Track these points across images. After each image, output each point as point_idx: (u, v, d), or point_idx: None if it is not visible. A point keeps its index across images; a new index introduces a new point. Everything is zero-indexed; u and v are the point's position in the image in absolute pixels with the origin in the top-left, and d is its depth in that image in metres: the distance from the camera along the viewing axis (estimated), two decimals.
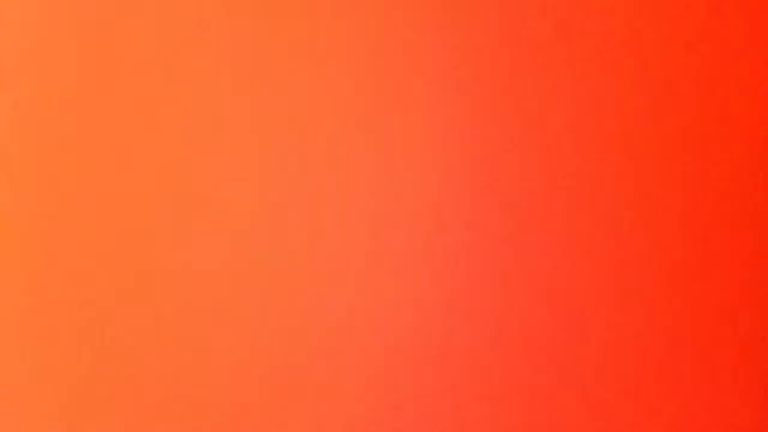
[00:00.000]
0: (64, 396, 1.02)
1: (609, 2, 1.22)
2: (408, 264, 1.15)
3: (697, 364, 1.28)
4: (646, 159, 1.25)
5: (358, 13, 1.11)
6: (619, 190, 1.24)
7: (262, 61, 1.08)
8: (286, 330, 1.10)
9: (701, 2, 1.26)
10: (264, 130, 1.08)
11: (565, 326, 1.21)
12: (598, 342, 1.23)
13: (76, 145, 1.01)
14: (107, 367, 1.03)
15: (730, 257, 1.30)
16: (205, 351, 1.07)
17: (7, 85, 0.99)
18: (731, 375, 1.29)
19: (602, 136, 1.23)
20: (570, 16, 1.20)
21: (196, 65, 1.05)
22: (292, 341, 1.10)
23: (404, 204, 1.14)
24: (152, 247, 1.04)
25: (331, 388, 1.12)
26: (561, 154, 1.21)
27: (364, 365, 1.13)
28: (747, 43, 1.29)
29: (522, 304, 1.19)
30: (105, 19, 1.02)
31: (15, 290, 1.00)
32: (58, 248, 1.01)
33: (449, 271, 1.16)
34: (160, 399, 1.05)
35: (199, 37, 1.05)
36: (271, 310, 1.09)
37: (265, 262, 1.09)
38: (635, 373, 1.25)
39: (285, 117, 1.09)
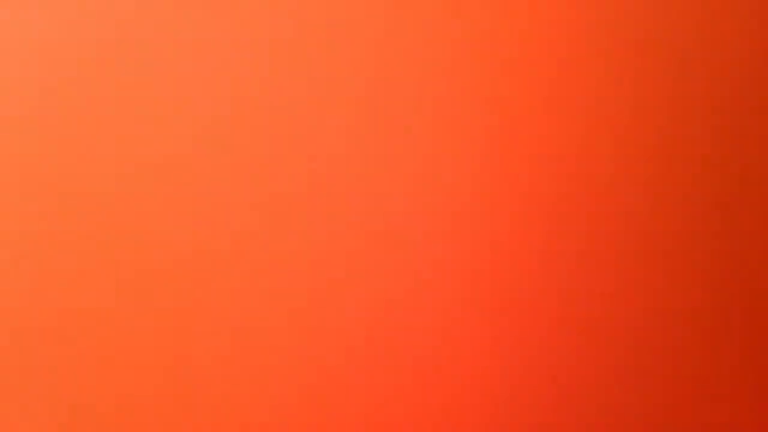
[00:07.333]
0: (63, 396, 1.02)
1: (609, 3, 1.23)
2: (408, 263, 1.15)
3: (698, 364, 1.28)
4: (652, 160, 1.25)
5: (362, 11, 1.12)
6: (631, 188, 1.24)
7: (264, 61, 1.08)
8: (287, 330, 1.10)
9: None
10: (264, 130, 1.09)
11: (568, 326, 1.21)
12: (600, 343, 1.23)
13: (75, 144, 1.02)
14: (106, 367, 1.04)
15: (731, 258, 1.30)
16: (205, 351, 1.07)
17: (7, 85, 0.99)
18: (731, 375, 1.29)
19: (607, 135, 1.23)
20: (571, 15, 1.20)
21: (196, 64, 1.05)
22: (293, 341, 1.10)
23: (404, 204, 1.14)
24: (152, 247, 1.04)
25: (332, 388, 1.12)
26: (564, 153, 1.21)
27: (365, 365, 1.13)
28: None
29: (525, 304, 1.20)
30: (105, 19, 1.02)
31: (14, 290, 1.00)
32: (57, 247, 1.01)
33: (451, 269, 1.17)
34: (159, 398, 1.05)
35: (200, 36, 1.06)
36: (270, 311, 1.10)
37: (264, 263, 1.09)
38: (636, 373, 1.25)
39: (285, 116, 1.09)
